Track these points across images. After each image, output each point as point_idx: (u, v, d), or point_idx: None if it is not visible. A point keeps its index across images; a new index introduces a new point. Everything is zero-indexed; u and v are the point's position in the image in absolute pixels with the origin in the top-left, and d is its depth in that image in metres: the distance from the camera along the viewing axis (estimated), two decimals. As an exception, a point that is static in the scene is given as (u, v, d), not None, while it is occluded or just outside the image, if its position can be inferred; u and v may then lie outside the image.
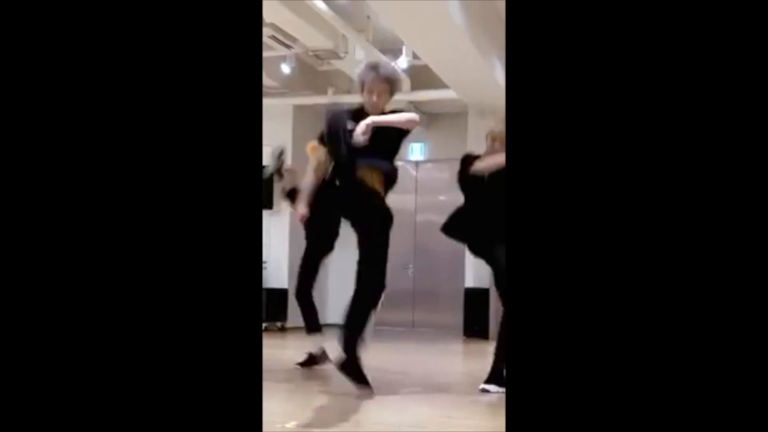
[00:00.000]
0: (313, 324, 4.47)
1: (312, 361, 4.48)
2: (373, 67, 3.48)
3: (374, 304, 3.41)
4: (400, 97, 7.28)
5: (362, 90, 3.48)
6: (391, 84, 3.47)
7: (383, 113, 3.48)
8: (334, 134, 3.23)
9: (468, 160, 3.66)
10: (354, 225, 3.52)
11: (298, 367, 4.45)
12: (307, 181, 3.97)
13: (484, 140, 3.74)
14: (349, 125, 3.31)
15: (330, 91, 7.42)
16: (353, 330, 3.37)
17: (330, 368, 4.13)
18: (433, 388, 3.80)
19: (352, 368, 3.39)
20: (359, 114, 3.42)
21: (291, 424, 2.87)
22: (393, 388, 3.82)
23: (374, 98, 3.44)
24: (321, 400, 3.50)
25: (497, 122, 3.63)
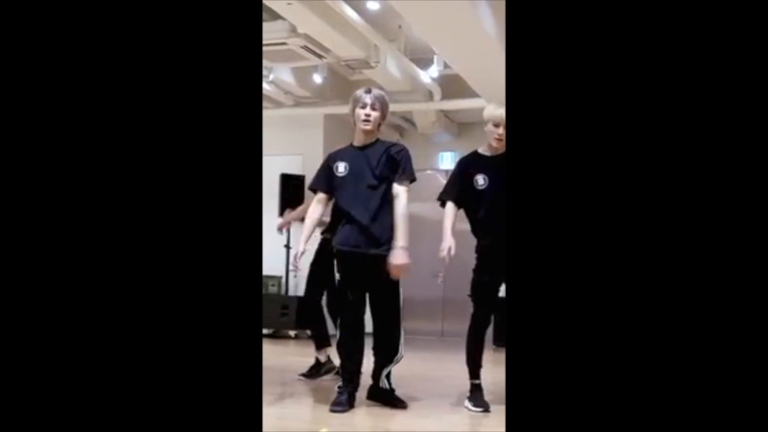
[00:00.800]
0: (322, 337, 4.46)
1: (318, 368, 4.44)
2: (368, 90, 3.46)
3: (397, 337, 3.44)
4: (433, 106, 7.32)
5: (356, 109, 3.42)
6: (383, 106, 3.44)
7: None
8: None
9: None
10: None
11: (302, 378, 4.41)
12: (309, 221, 3.82)
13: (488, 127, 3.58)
14: (341, 166, 3.40)
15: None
16: (381, 359, 3.45)
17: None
18: (464, 396, 3.79)
19: (379, 395, 3.47)
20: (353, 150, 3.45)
21: (323, 431, 2.89)
22: (424, 397, 3.83)
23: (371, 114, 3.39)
24: (353, 407, 3.51)
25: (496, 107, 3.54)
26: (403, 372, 4.13)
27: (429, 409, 3.51)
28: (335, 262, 3.48)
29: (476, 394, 3.48)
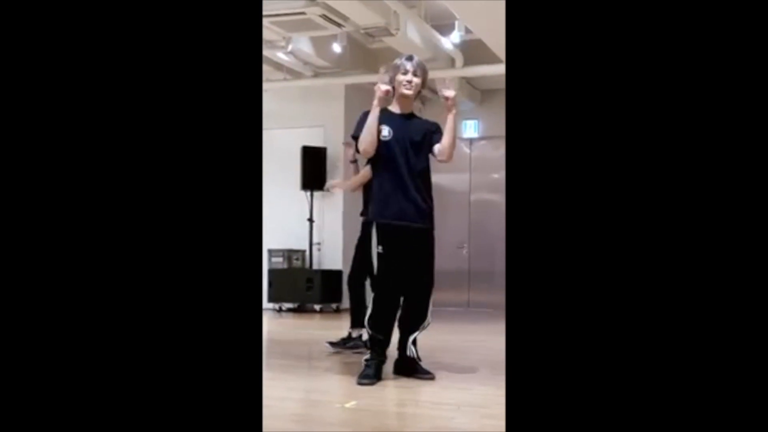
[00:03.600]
0: (358, 318, 4.47)
1: (348, 340, 4.48)
2: (410, 57, 3.50)
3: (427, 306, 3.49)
4: (455, 73, 7.24)
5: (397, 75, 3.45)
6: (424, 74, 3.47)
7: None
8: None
9: None
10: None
11: (328, 346, 4.47)
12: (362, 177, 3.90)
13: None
14: (384, 130, 3.38)
15: (382, 69, 7.39)
16: (411, 326, 3.49)
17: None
18: (492, 367, 3.79)
19: (406, 367, 3.50)
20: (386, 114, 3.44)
21: (351, 404, 2.91)
22: (452, 369, 3.83)
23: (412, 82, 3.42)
24: (381, 379, 3.53)
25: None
26: (431, 343, 4.13)
27: (457, 380, 3.52)
28: (374, 234, 3.43)
29: None
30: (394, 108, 3.48)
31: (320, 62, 7.25)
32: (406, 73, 3.40)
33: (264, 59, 6.96)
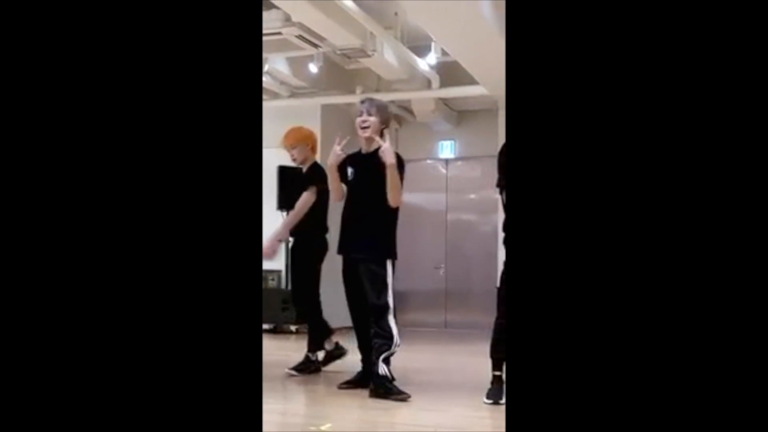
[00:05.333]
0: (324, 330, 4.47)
1: (330, 357, 4.46)
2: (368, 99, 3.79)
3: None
4: (431, 94, 7.27)
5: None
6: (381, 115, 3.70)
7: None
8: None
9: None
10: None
11: (312, 368, 4.43)
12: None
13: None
14: (349, 171, 3.68)
15: (358, 89, 7.41)
16: (377, 354, 3.57)
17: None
18: (471, 389, 3.76)
19: (381, 391, 3.51)
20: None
21: (326, 427, 2.87)
22: (429, 390, 3.80)
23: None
24: (357, 401, 3.49)
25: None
26: (408, 364, 4.10)
27: (434, 402, 3.48)
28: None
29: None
30: (363, 147, 3.72)
31: (297, 82, 7.26)
32: (360, 114, 3.66)
33: (240, 79, 6.96)
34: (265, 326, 7.81)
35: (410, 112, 8.20)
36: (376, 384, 3.52)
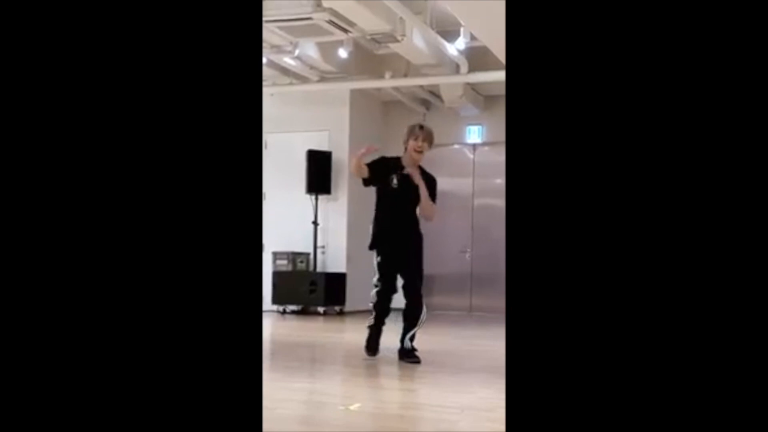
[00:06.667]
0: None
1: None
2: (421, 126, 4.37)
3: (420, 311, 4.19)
4: (459, 79, 7.25)
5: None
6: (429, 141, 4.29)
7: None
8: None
9: None
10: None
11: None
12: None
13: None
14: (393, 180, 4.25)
15: (387, 74, 7.39)
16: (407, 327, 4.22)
17: (391, 353, 4.17)
18: (496, 372, 3.78)
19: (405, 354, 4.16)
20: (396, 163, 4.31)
21: (354, 406, 2.91)
22: (455, 371, 3.83)
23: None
24: (384, 382, 3.53)
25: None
26: (435, 347, 4.12)
27: (461, 384, 3.51)
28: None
29: None
30: (407, 162, 4.27)
31: (326, 67, 7.27)
32: (416, 139, 4.22)
33: (270, 64, 6.98)
34: (293, 308, 7.89)
35: (438, 97, 8.18)
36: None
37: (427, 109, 8.62)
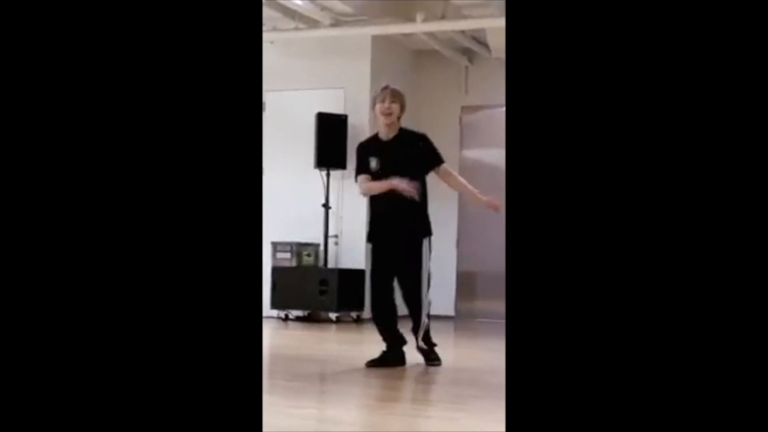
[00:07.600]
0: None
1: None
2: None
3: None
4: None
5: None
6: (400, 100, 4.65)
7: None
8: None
9: None
10: None
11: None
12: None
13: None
14: (373, 162, 4.58)
15: (419, 17, 7.26)
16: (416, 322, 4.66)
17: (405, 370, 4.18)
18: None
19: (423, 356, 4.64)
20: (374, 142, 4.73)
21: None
22: (502, 394, 3.82)
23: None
24: (411, 409, 3.53)
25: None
26: (477, 364, 4.10)
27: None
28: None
29: None
30: (382, 134, 4.65)
31: (342, 8, 7.21)
32: (383, 101, 4.57)
33: (272, 4, 6.93)
34: (297, 313, 7.89)
35: (484, 45, 8.10)
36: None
37: (470, 61, 8.55)
